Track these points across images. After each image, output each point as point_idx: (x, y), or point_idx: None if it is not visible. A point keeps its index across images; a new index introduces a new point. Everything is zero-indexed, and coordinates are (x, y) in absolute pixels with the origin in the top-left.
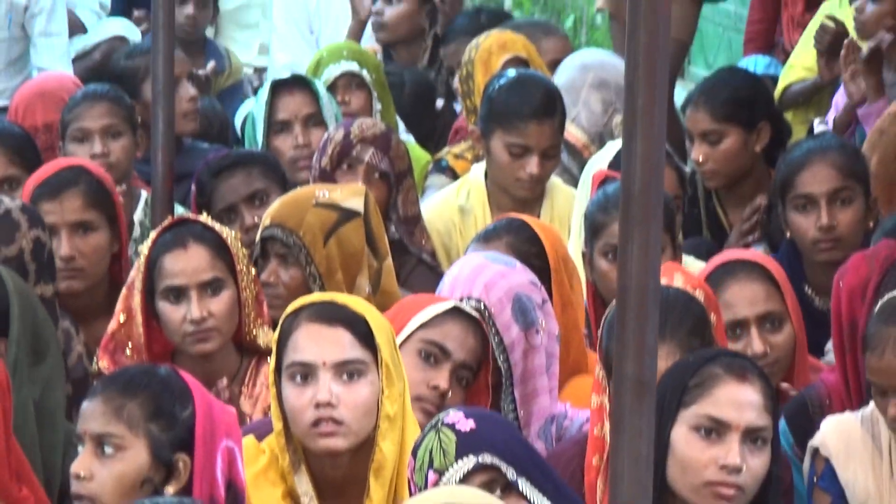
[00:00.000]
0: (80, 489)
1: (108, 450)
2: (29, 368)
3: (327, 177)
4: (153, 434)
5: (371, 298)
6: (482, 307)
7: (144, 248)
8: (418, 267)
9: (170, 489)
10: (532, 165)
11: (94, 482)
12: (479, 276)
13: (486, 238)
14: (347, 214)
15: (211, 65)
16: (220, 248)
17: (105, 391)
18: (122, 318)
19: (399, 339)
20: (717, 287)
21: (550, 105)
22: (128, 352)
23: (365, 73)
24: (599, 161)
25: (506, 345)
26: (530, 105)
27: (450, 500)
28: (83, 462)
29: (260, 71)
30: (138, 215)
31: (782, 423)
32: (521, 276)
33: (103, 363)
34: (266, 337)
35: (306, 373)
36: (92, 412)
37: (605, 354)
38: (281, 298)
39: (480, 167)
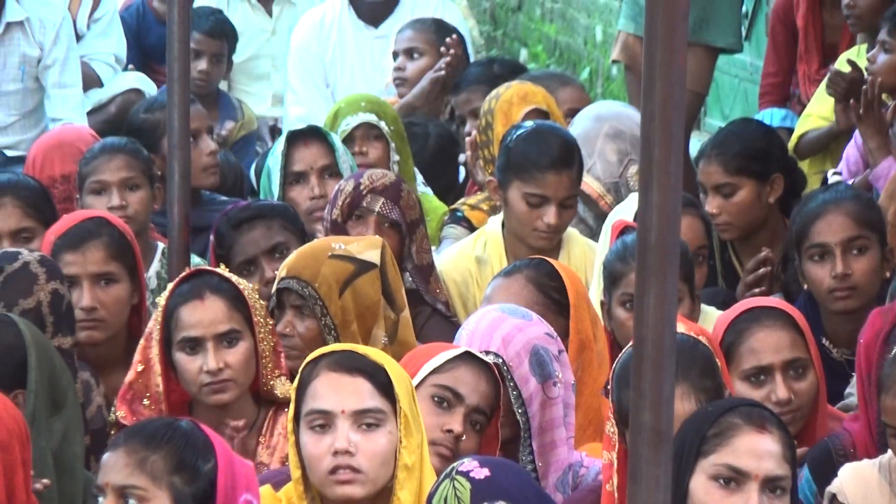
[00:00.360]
0: None
1: (132, 502)
2: (47, 419)
3: (339, 228)
4: (176, 487)
5: (387, 349)
6: (500, 361)
7: (162, 300)
8: (433, 317)
9: None
10: (550, 215)
11: None
12: (497, 330)
13: (507, 273)
14: (363, 266)
15: (228, 125)
16: (236, 300)
17: (128, 443)
18: (139, 369)
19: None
20: (743, 333)
21: (568, 155)
22: (146, 402)
23: (383, 124)
24: (622, 212)
25: (524, 398)
26: (548, 155)
27: None
28: None
29: (275, 121)
30: (155, 267)
31: (806, 470)
32: (537, 329)
33: (121, 413)
34: (283, 387)
35: (325, 421)
36: (114, 464)
37: (616, 404)
38: (297, 349)
39: (497, 219)
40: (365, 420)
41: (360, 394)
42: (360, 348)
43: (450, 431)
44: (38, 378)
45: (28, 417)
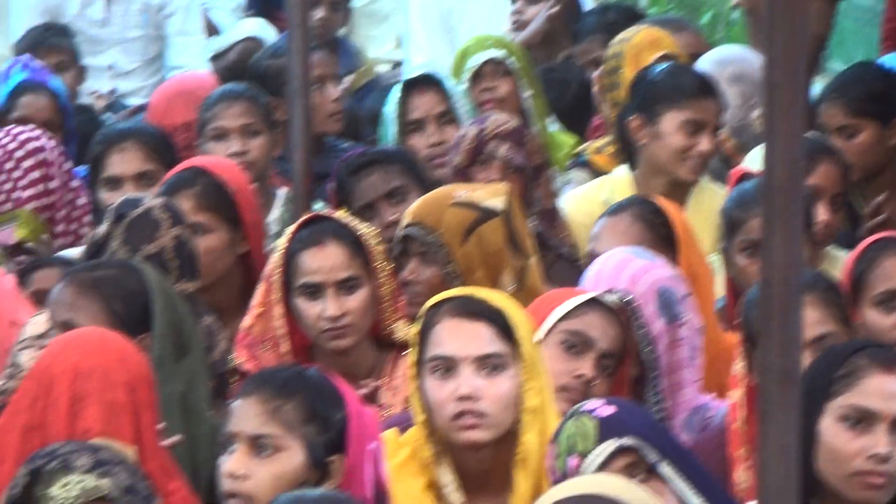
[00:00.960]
0: (236, 488)
1: (265, 451)
2: (172, 363)
3: (462, 174)
4: (309, 437)
5: (517, 295)
6: (628, 300)
7: (281, 243)
8: (558, 261)
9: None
10: (705, 142)
11: (251, 482)
12: (625, 270)
13: (613, 212)
14: (487, 214)
15: (349, 78)
16: (357, 246)
17: (259, 391)
18: (257, 313)
19: (541, 333)
20: (873, 261)
21: (712, 85)
22: (265, 346)
23: (511, 60)
24: (751, 161)
25: (651, 337)
26: (701, 82)
27: (593, 489)
28: (239, 461)
29: (397, 65)
30: (276, 213)
31: None
32: (664, 271)
33: (241, 358)
34: (403, 331)
35: (448, 367)
36: (246, 413)
37: (745, 343)
38: (421, 296)
39: (623, 168)
40: (487, 365)
41: (482, 339)
42: (481, 292)
43: (580, 377)
44: (163, 322)
45: (154, 361)
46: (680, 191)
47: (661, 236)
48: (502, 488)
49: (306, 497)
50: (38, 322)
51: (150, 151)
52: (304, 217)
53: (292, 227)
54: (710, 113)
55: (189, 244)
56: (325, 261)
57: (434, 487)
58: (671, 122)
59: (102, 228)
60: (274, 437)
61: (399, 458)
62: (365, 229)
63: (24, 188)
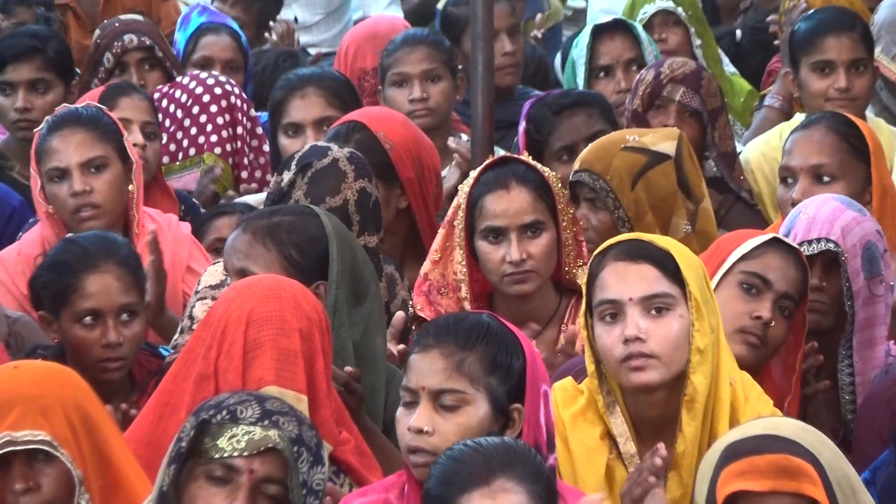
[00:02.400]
0: (422, 443)
1: (450, 404)
2: (348, 310)
3: (639, 118)
4: (492, 387)
5: (691, 239)
6: (839, 251)
7: (466, 186)
8: (737, 204)
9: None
10: (840, 80)
11: (437, 437)
12: (838, 220)
13: (806, 125)
14: (656, 158)
15: (537, 18)
16: (541, 190)
17: (441, 344)
18: (435, 258)
19: (720, 273)
20: None
21: (848, 19)
22: (443, 291)
23: (680, 10)
24: None
25: (853, 291)
26: (827, 21)
27: (769, 430)
28: (423, 416)
29: (578, 12)
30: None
31: None
32: (871, 225)
33: (418, 305)
34: (585, 277)
35: (615, 311)
36: (430, 367)
37: None
38: (592, 242)
39: (801, 115)
40: (654, 305)
41: (647, 279)
42: (646, 236)
43: (759, 318)
44: (340, 269)
45: (329, 308)
46: None
47: (855, 147)
48: (672, 436)
49: (487, 446)
50: (214, 272)
51: (332, 97)
52: (489, 160)
53: (476, 171)
54: (840, 49)
55: (373, 197)
56: (510, 204)
57: (611, 435)
58: (804, 71)
59: (286, 177)
60: (459, 392)
61: (576, 406)
62: (549, 173)
63: (210, 133)
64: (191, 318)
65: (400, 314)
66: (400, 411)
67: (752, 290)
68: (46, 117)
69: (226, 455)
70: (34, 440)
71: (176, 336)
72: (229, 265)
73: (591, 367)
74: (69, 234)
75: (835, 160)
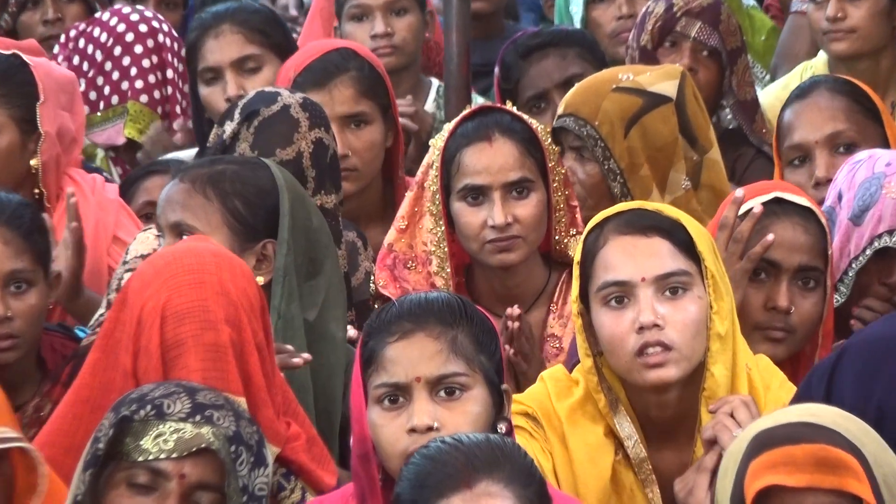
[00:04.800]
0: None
1: (452, 392)
2: (302, 281)
3: (648, 56)
4: (485, 366)
5: (691, 196)
6: None
7: (440, 141)
8: (758, 159)
9: (502, 426)
10: (830, 8)
11: (446, 432)
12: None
13: (803, 93)
14: (654, 100)
15: None
16: (529, 144)
17: (424, 326)
18: (402, 225)
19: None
20: None
21: None
22: (411, 265)
23: None
24: None
25: None
26: None
27: (804, 417)
28: (427, 411)
29: None
30: (429, 107)
31: None
32: None
33: (381, 281)
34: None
35: (623, 293)
36: (421, 353)
37: None
38: (578, 198)
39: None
40: (670, 285)
41: (660, 255)
42: (650, 205)
43: (774, 308)
44: (292, 227)
45: (278, 272)
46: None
47: (865, 107)
48: (689, 434)
49: (468, 444)
50: (145, 239)
51: (251, 32)
52: (469, 110)
53: (452, 122)
54: None
55: (331, 149)
56: (492, 159)
57: (616, 434)
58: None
59: (228, 128)
60: (460, 375)
61: (572, 398)
62: (538, 126)
63: (135, 78)
64: (119, 291)
65: None
66: (380, 414)
67: (761, 276)
68: None
69: (151, 457)
70: None
71: (100, 311)
72: (163, 219)
73: (587, 361)
74: None
75: (851, 124)
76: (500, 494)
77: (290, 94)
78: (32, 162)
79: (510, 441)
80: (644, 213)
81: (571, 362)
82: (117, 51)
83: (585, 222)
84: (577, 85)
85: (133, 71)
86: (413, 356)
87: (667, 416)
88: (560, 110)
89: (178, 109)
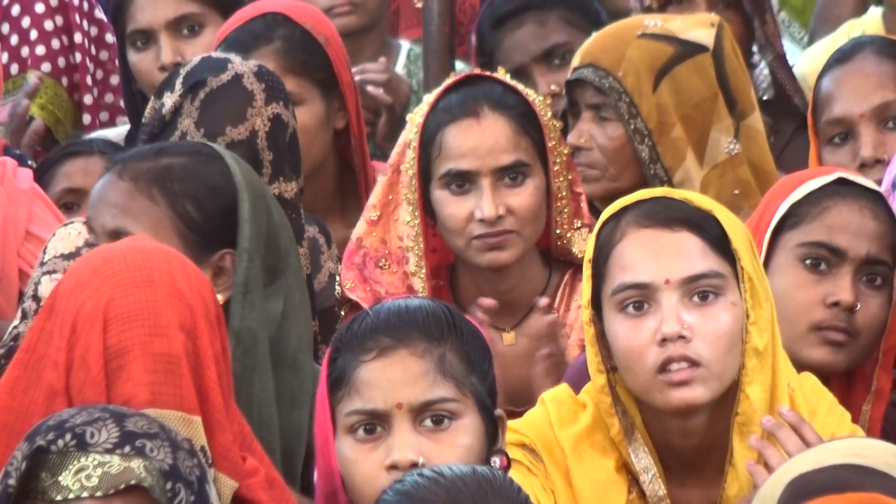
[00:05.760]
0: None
1: (439, 420)
2: (261, 291)
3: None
4: (477, 388)
5: (740, 161)
6: None
7: (418, 117)
8: (799, 135)
9: (496, 460)
10: None
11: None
12: None
13: (843, 57)
14: (688, 49)
15: None
16: (525, 119)
17: (406, 342)
18: (373, 216)
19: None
20: None
21: None
22: (383, 264)
23: None
24: None
25: None
26: None
27: (850, 458)
28: (411, 443)
29: None
30: (400, 72)
31: None
32: None
33: (348, 283)
34: (584, 243)
35: (642, 297)
36: (403, 375)
37: None
38: (597, 167)
39: (876, 10)
40: (698, 289)
41: (688, 254)
42: (677, 193)
43: (836, 304)
44: (253, 233)
45: (238, 287)
46: None
47: None
48: (717, 468)
49: (451, 477)
50: (65, 236)
51: None
52: (451, 79)
53: (432, 94)
54: None
55: (290, 128)
56: (480, 139)
57: (629, 467)
58: None
59: (168, 100)
60: (448, 401)
61: (579, 425)
62: (535, 97)
63: (35, 43)
64: (36, 298)
65: None
66: (353, 447)
67: (821, 266)
68: None
69: (71, 496)
70: None
71: (14, 322)
72: (98, 224)
73: (599, 379)
74: None
75: None
76: None
77: (243, 61)
78: None
79: (500, 474)
80: (669, 202)
81: (573, 380)
82: (14, 10)
83: (604, 198)
84: (595, 33)
85: (33, 34)
86: (393, 378)
87: (692, 446)
88: (576, 61)
89: (87, 80)
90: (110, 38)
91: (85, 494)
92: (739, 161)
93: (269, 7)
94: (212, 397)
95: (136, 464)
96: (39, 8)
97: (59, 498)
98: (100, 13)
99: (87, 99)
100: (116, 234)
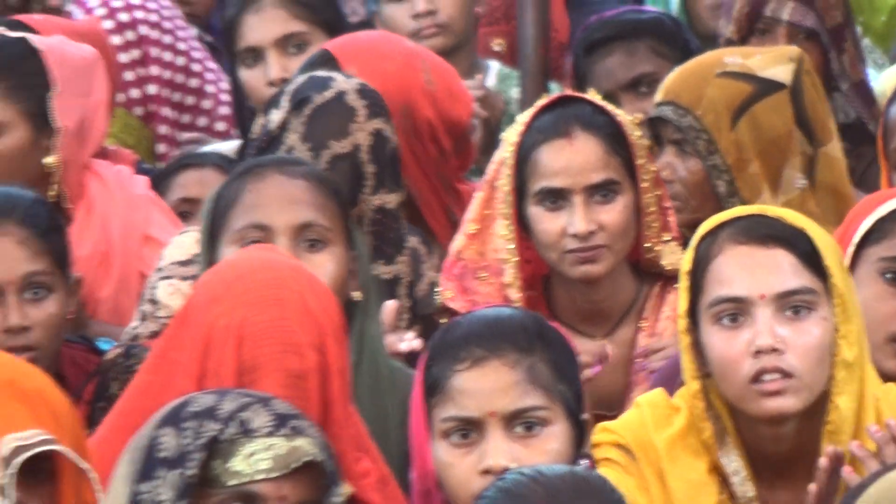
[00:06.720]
0: None
1: (530, 427)
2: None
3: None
4: (565, 396)
5: (808, 197)
6: None
7: (513, 135)
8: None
9: (581, 463)
10: None
11: None
12: None
13: None
14: (766, 87)
15: None
16: (615, 139)
17: (498, 353)
18: (471, 230)
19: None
20: None
21: None
22: (482, 275)
23: None
24: None
25: None
26: None
27: None
28: (503, 450)
29: None
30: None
31: None
32: None
33: (448, 292)
34: (673, 256)
35: (737, 311)
36: (495, 385)
37: None
38: (678, 198)
39: None
40: (791, 304)
41: (782, 270)
42: (773, 210)
43: None
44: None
45: (363, 286)
46: None
47: None
48: (806, 472)
49: (550, 476)
50: (181, 244)
51: (295, 6)
52: (544, 100)
53: (527, 114)
54: None
55: (391, 142)
56: (572, 158)
57: (721, 470)
58: None
59: (275, 117)
60: (539, 409)
61: (672, 428)
62: (625, 117)
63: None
64: (153, 301)
65: (392, 303)
66: (448, 451)
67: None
68: None
69: (246, 480)
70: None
71: (133, 324)
72: (281, 222)
73: (693, 385)
74: None
75: None
76: None
77: (346, 78)
78: (48, 160)
79: (596, 474)
80: (764, 220)
81: (661, 384)
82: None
83: (685, 226)
84: (677, 69)
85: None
86: (486, 388)
87: (782, 451)
88: (658, 97)
89: (163, 112)
90: (197, 67)
91: (259, 477)
92: (808, 196)
93: (333, 45)
94: (335, 410)
95: (302, 442)
96: (116, 40)
97: (232, 483)
98: (183, 45)
99: (162, 129)
100: (304, 229)
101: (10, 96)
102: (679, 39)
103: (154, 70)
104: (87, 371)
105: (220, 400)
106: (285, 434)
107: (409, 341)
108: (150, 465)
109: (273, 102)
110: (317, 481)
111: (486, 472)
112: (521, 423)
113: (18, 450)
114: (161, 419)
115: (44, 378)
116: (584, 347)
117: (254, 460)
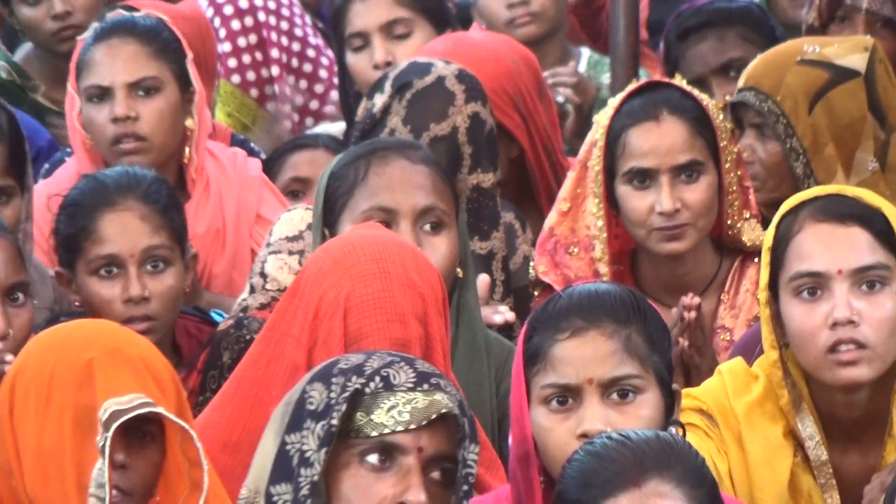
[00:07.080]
0: None
1: (624, 395)
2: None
3: (817, 35)
4: (658, 366)
5: (878, 179)
6: None
7: (604, 118)
8: None
9: (673, 430)
10: None
11: None
12: None
13: None
14: (842, 74)
15: None
16: (700, 122)
17: (596, 324)
18: (564, 208)
19: None
20: None
21: None
22: (573, 250)
23: None
24: None
25: None
26: None
27: None
28: (600, 415)
29: None
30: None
31: None
32: None
33: (542, 267)
34: (753, 232)
35: (816, 285)
36: (594, 353)
37: None
38: (757, 179)
39: None
40: (867, 279)
41: (859, 247)
42: (849, 190)
43: None
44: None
45: (463, 263)
46: None
47: None
48: (877, 436)
49: (637, 440)
50: (289, 220)
51: None
52: (634, 85)
53: (617, 98)
54: None
55: (488, 125)
56: (660, 140)
57: (796, 434)
58: None
59: (378, 101)
60: (634, 377)
61: (751, 395)
62: (709, 101)
63: (228, 56)
64: (262, 275)
65: (485, 278)
66: (547, 416)
67: None
68: (94, 23)
69: (386, 431)
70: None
71: (244, 295)
72: (407, 206)
73: (772, 354)
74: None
75: None
76: (669, 495)
77: (445, 65)
78: (188, 122)
79: (680, 439)
80: (842, 199)
81: (740, 353)
82: (216, 21)
83: (764, 205)
84: (759, 57)
85: (227, 47)
86: (585, 356)
87: (854, 417)
88: (740, 83)
89: (285, 91)
90: (311, 52)
91: (399, 429)
92: (878, 179)
93: (434, 49)
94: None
95: (440, 396)
96: (235, 25)
97: (374, 434)
98: (300, 31)
99: (282, 106)
100: (428, 213)
101: (160, 57)
102: (766, 27)
103: (273, 53)
104: (201, 341)
105: (367, 358)
106: (424, 390)
107: (503, 314)
108: (299, 417)
109: (377, 87)
110: (452, 436)
111: (583, 435)
112: (616, 390)
113: (116, 414)
114: (313, 375)
115: (147, 345)
116: (668, 318)
117: (395, 412)
